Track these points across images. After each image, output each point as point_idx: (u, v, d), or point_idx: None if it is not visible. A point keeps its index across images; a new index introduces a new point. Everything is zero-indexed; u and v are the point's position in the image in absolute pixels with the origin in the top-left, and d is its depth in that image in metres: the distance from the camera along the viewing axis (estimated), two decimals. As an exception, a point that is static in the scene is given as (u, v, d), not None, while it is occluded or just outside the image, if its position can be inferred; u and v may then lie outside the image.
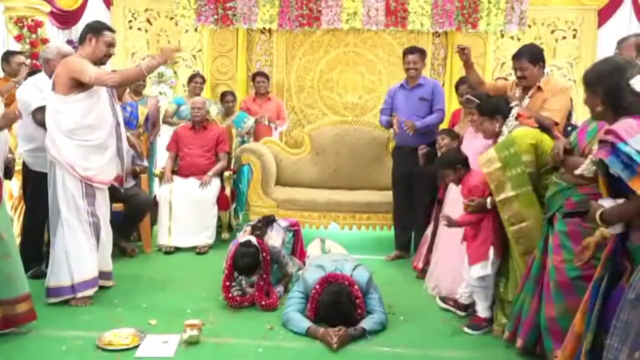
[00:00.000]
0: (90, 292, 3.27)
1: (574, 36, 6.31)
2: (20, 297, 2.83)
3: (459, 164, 3.17)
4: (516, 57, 3.29)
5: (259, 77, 5.64)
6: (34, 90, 3.60)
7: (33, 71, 4.05)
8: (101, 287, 3.41)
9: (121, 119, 3.50)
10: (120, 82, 3.24)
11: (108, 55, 3.30)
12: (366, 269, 3.18)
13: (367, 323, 2.94)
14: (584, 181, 2.36)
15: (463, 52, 3.50)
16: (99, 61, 3.28)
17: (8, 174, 3.37)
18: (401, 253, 4.42)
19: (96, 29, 3.25)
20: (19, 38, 5.30)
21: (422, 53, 4.21)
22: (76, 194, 3.21)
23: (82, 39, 3.27)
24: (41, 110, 3.55)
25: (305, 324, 2.94)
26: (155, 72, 6.22)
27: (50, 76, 3.62)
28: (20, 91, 3.69)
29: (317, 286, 3.01)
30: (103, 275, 3.43)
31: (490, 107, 3.06)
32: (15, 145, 3.81)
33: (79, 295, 3.22)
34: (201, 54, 6.30)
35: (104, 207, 3.39)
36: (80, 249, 3.23)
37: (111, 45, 3.28)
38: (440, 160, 3.35)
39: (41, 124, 3.57)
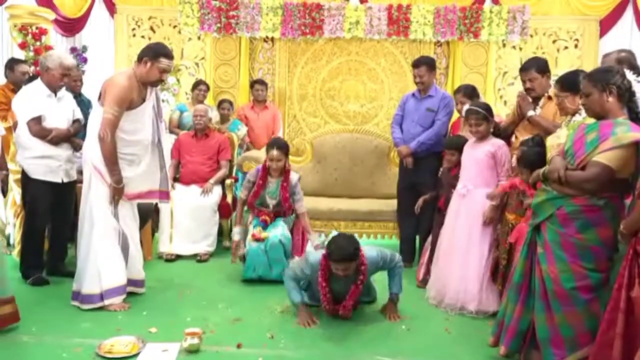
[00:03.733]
0: (118, 299, 3.29)
1: (576, 46, 6.33)
2: (3, 300, 2.86)
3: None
4: (524, 69, 3.44)
5: (257, 85, 5.66)
6: (29, 101, 3.59)
7: (32, 77, 4.05)
8: (131, 294, 3.43)
9: (163, 135, 3.50)
10: (103, 148, 3.15)
11: (160, 81, 3.31)
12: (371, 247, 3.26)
13: (395, 287, 3.27)
14: (578, 191, 2.36)
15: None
16: (151, 84, 3.30)
17: (2, 190, 3.38)
18: (403, 262, 4.39)
19: (154, 53, 3.22)
20: (23, 45, 5.32)
21: (428, 65, 4.23)
22: (108, 203, 3.25)
23: (139, 58, 3.25)
24: (36, 120, 3.55)
25: (297, 300, 3.19)
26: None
27: (47, 84, 3.62)
28: (16, 101, 3.67)
29: (325, 250, 3.06)
30: (136, 282, 3.48)
31: (575, 82, 2.78)
32: (15, 152, 3.81)
33: (107, 302, 3.24)
34: (204, 61, 6.32)
35: (130, 219, 3.42)
36: (109, 257, 3.26)
37: (165, 71, 3.27)
38: (523, 161, 3.09)
39: (37, 134, 3.56)
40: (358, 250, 3.02)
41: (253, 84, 5.71)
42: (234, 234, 3.98)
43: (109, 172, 3.20)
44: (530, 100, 3.44)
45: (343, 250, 2.96)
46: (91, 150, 3.22)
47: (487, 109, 3.48)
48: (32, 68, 4.91)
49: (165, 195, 3.59)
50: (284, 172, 3.92)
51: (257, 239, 3.78)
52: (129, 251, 3.38)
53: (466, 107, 3.63)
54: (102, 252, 3.24)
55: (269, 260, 3.81)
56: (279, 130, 5.74)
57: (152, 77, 3.26)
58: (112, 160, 3.19)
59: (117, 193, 3.24)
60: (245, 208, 4.09)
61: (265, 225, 3.91)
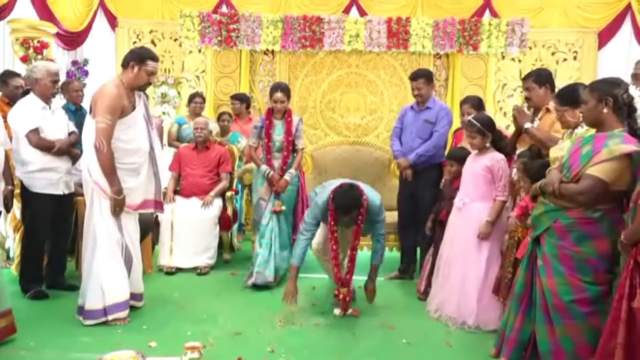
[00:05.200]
0: (122, 314, 3.27)
1: (575, 58, 6.36)
2: (1, 313, 2.85)
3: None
4: (524, 78, 3.56)
5: (232, 100, 5.68)
6: (24, 114, 3.58)
7: (27, 91, 4.03)
8: (131, 308, 3.39)
9: (156, 143, 3.48)
10: (100, 158, 3.12)
11: (148, 84, 3.32)
12: (376, 193, 3.56)
13: (377, 259, 3.60)
14: (573, 203, 2.36)
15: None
16: (139, 88, 3.30)
17: (6, 206, 3.37)
18: (403, 275, 4.39)
19: (140, 57, 3.22)
20: (24, 59, 5.34)
21: (426, 78, 4.25)
22: (110, 217, 3.22)
23: (125, 64, 3.25)
24: (35, 132, 3.54)
25: (295, 262, 3.48)
26: (158, 93, 6.28)
27: (40, 96, 3.62)
28: (12, 115, 3.64)
29: (331, 195, 3.39)
30: (135, 296, 3.44)
31: (574, 96, 2.81)
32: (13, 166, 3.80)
33: (111, 317, 3.22)
34: (204, 74, 6.35)
35: (133, 231, 3.41)
36: (113, 272, 3.24)
37: (152, 74, 3.28)
38: (528, 171, 3.05)
39: (37, 145, 3.56)
40: (361, 201, 3.37)
41: (230, 98, 5.73)
42: (264, 170, 4.18)
43: (109, 183, 3.16)
44: (532, 111, 3.48)
45: (348, 206, 3.36)
46: (89, 164, 3.20)
47: (486, 123, 3.45)
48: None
49: (159, 205, 3.56)
50: (287, 113, 4.21)
51: (275, 211, 4.14)
52: (132, 264, 3.36)
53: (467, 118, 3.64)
54: (106, 267, 3.22)
55: (279, 239, 4.16)
56: None
57: (140, 82, 3.25)
58: (110, 170, 3.15)
59: (118, 204, 3.21)
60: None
61: (277, 195, 4.17)
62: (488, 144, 3.45)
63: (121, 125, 3.19)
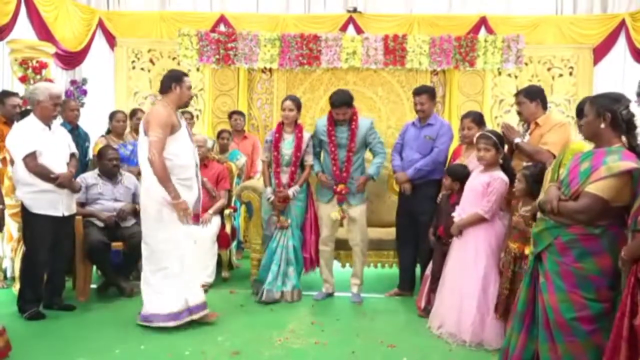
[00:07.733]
0: (173, 323, 3.46)
1: (571, 73, 6.40)
2: None
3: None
4: (516, 93, 3.72)
5: (235, 115, 5.72)
6: (22, 137, 3.55)
7: (26, 111, 4.00)
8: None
9: (197, 158, 3.71)
10: (155, 168, 3.35)
11: (191, 97, 3.70)
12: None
13: (372, 170, 4.22)
14: (573, 221, 2.36)
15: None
16: (184, 104, 3.66)
17: None
18: (402, 291, 4.36)
19: (177, 77, 3.58)
20: (23, 79, 5.36)
21: (430, 94, 4.27)
22: (177, 229, 3.46)
23: (166, 88, 3.55)
24: (32, 157, 3.50)
25: (317, 167, 4.27)
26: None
27: (41, 118, 3.58)
28: (10, 138, 3.60)
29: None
30: (200, 306, 3.61)
31: (578, 109, 3.00)
32: (9, 186, 3.78)
33: (172, 324, 3.45)
34: (203, 92, 6.38)
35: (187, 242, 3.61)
36: (170, 285, 3.47)
37: (191, 87, 3.65)
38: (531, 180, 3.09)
39: (33, 171, 3.50)
40: (351, 100, 4.09)
41: (231, 114, 5.77)
42: (267, 194, 4.30)
43: (166, 190, 3.37)
44: (525, 126, 3.59)
45: (341, 98, 4.04)
46: (148, 187, 3.44)
47: (500, 138, 3.44)
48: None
49: (196, 217, 3.74)
50: (297, 126, 4.33)
51: (282, 226, 4.25)
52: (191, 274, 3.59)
53: (474, 132, 3.73)
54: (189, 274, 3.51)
55: (286, 255, 4.24)
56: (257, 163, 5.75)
57: (185, 97, 3.60)
58: (165, 177, 3.37)
59: (182, 208, 3.40)
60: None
61: (284, 211, 4.27)
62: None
63: (174, 142, 3.45)
